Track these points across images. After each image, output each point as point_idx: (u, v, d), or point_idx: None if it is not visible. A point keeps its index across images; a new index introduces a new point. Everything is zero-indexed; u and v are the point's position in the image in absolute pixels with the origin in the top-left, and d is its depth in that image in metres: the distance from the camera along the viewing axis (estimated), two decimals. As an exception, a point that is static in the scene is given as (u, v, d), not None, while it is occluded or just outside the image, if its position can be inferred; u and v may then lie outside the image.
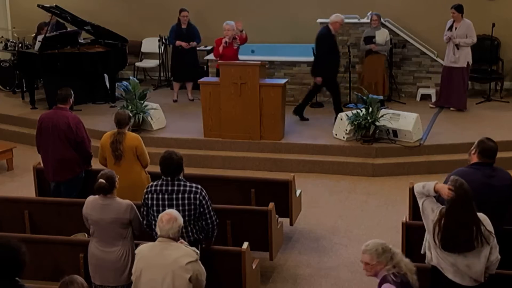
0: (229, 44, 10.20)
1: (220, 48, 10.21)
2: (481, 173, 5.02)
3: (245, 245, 5.56)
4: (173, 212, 4.65)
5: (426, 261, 4.84)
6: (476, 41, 10.61)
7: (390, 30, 11.29)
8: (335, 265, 6.79)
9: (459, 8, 10.48)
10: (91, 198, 5.43)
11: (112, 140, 6.68)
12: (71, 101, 7.14)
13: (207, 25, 12.63)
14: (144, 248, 4.67)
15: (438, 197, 4.78)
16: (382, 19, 11.16)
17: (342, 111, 10.04)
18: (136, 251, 4.73)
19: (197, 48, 12.55)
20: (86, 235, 6.02)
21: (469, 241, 4.48)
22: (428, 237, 4.79)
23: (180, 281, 4.52)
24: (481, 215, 4.57)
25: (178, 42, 11.54)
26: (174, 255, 4.52)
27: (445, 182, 5.11)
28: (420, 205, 4.79)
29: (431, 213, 4.67)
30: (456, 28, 10.51)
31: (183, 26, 11.58)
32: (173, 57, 11.88)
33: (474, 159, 5.14)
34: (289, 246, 7.17)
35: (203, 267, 4.67)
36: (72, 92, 7.17)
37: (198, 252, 4.69)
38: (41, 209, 6.57)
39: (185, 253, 4.56)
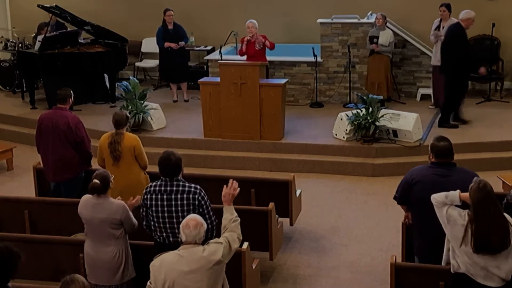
0: (250, 43, 10.11)
1: (243, 47, 10.13)
2: (432, 171, 5.10)
3: (245, 245, 5.56)
4: (197, 217, 4.58)
5: (452, 270, 4.70)
6: None
7: (391, 31, 11.29)
8: (335, 265, 6.79)
9: (449, 7, 10.51)
10: (85, 197, 5.45)
11: (110, 140, 6.67)
12: (70, 101, 7.14)
13: (206, 25, 12.64)
14: (167, 260, 4.51)
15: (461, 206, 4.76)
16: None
17: (449, 113, 9.88)
18: (155, 264, 4.55)
19: (196, 48, 12.57)
20: (86, 235, 6.04)
21: (502, 241, 4.45)
22: (452, 246, 4.67)
23: (217, 274, 4.51)
24: (505, 214, 4.55)
25: (167, 44, 11.45)
26: (205, 258, 4.46)
27: (404, 179, 5.31)
28: (443, 213, 4.66)
29: (459, 217, 4.58)
30: (443, 27, 10.52)
31: (170, 27, 11.49)
32: (162, 59, 11.80)
33: (433, 159, 5.23)
34: (289, 246, 7.17)
35: (226, 243, 4.60)
36: (71, 92, 7.17)
37: (220, 240, 4.61)
38: (41, 209, 6.57)
39: (214, 251, 4.51)
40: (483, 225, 4.44)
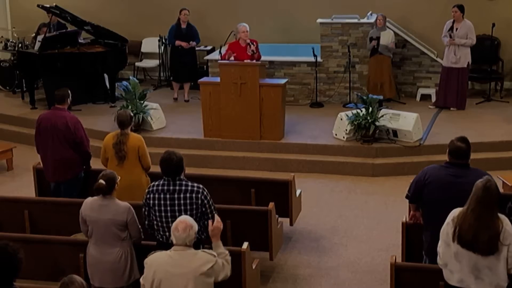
0: (242, 49, 9.98)
1: (228, 55, 9.85)
2: (446, 171, 5.10)
3: (245, 245, 5.56)
4: (187, 219, 4.57)
5: (445, 279, 4.66)
6: (475, 42, 10.61)
7: (392, 32, 11.29)
8: (335, 265, 6.79)
9: (461, 8, 10.47)
10: (89, 199, 5.41)
11: (115, 141, 6.65)
12: (68, 101, 7.09)
13: (206, 25, 12.63)
14: (158, 259, 4.55)
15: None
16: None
17: None
18: (147, 261, 4.60)
19: (197, 48, 12.55)
20: (86, 235, 6.03)
21: (490, 244, 4.42)
22: (443, 253, 4.64)
23: (204, 286, 4.48)
24: (502, 217, 4.53)
25: (178, 42, 11.53)
26: (194, 264, 4.46)
27: (417, 178, 5.30)
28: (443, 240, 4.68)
29: (449, 217, 4.62)
30: (456, 29, 10.50)
31: (183, 26, 11.56)
32: (172, 58, 11.88)
33: (448, 159, 5.23)
34: (289, 246, 7.17)
35: (221, 263, 4.60)
36: (69, 92, 7.12)
37: (215, 254, 4.63)
38: (41, 209, 6.57)
39: (204, 260, 4.49)
40: (474, 222, 4.43)
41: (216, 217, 4.91)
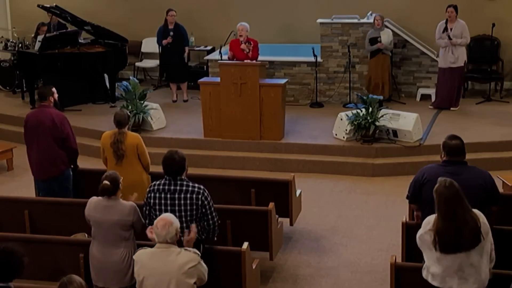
0: (238, 48, 10.06)
1: (229, 54, 10.07)
2: (444, 169, 5.11)
3: (245, 245, 5.56)
4: (168, 216, 4.61)
5: (428, 279, 4.70)
6: (469, 41, 10.63)
7: (390, 30, 11.30)
8: (335, 265, 6.79)
9: (457, 8, 10.51)
10: (94, 199, 5.39)
11: (113, 140, 6.65)
12: (51, 99, 7.03)
13: (206, 25, 12.64)
14: (143, 256, 4.60)
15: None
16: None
17: None
18: (134, 257, 4.67)
19: (197, 48, 12.57)
20: (86, 235, 6.02)
21: (471, 239, 4.44)
22: (426, 259, 4.67)
23: (184, 286, 4.50)
24: (476, 211, 4.56)
25: (164, 41, 11.48)
26: (177, 262, 4.48)
27: (415, 178, 5.33)
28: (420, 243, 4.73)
29: (427, 225, 4.62)
30: (451, 29, 10.50)
31: (170, 27, 11.51)
32: (162, 59, 11.84)
33: (446, 158, 5.26)
34: (289, 246, 7.17)
35: (204, 265, 4.65)
36: (53, 90, 7.06)
37: (199, 253, 4.66)
38: (41, 209, 6.57)
39: (188, 259, 4.52)
40: (450, 224, 4.44)
41: (193, 228, 4.90)
